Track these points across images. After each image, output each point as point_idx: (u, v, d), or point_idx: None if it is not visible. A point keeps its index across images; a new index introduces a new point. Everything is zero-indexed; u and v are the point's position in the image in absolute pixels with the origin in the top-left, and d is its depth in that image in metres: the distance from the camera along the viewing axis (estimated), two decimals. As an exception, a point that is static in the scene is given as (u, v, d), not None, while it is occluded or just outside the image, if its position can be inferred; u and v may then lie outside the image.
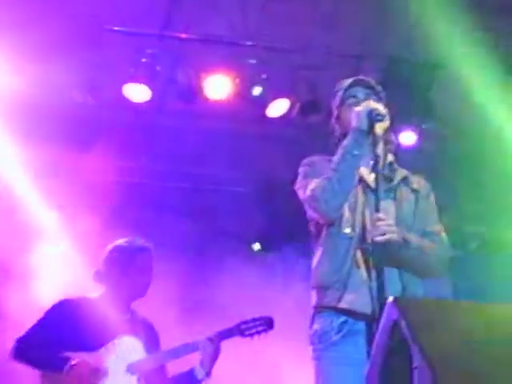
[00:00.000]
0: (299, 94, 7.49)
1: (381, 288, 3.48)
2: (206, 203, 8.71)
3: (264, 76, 7.27)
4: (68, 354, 4.72)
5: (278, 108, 7.58)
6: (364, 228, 3.70)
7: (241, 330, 5.01)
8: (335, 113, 4.04)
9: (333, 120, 4.04)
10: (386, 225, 3.56)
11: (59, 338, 4.85)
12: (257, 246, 9.45)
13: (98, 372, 4.77)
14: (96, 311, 4.90)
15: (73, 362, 4.64)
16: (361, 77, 4.10)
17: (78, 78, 7.11)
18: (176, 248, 7.84)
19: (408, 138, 7.73)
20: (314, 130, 7.43)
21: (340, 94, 4.03)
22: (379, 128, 3.72)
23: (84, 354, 4.74)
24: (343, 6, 6.74)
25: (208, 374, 4.88)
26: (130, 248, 5.14)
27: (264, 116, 7.70)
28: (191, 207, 8.56)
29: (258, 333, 5.03)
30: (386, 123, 3.77)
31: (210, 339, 4.86)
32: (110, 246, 5.21)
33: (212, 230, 8.89)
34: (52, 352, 4.78)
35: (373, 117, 3.70)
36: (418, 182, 4.05)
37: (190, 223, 8.59)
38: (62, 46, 6.66)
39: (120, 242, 5.21)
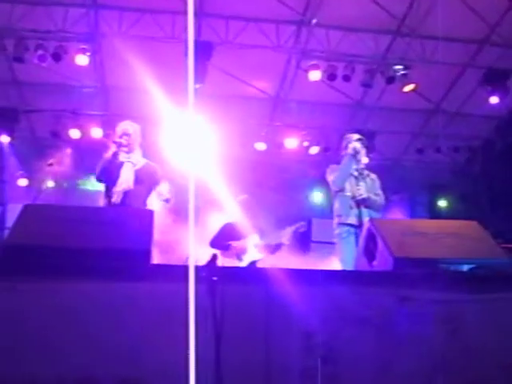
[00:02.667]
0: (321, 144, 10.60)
1: (360, 215, 5.17)
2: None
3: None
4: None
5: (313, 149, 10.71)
6: (353, 191, 5.32)
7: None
8: (344, 145, 5.66)
9: (342, 149, 5.68)
10: (361, 191, 5.33)
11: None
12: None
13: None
14: None
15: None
16: (356, 135, 5.76)
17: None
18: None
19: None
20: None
21: (347, 140, 5.68)
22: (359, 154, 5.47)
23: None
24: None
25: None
26: None
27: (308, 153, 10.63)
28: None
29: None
30: (363, 151, 5.56)
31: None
32: None
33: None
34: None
35: (355, 150, 5.46)
36: (373, 175, 5.65)
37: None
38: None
39: None
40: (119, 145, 5.24)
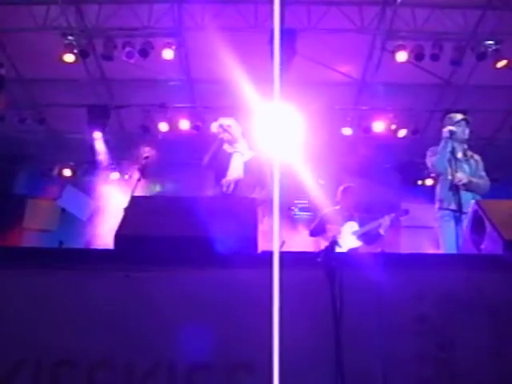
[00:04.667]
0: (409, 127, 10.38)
1: (459, 199, 4.96)
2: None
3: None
4: None
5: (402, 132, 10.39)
6: (453, 176, 5.09)
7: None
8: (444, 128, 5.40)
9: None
10: (460, 176, 5.11)
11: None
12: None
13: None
14: None
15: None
16: (459, 115, 5.60)
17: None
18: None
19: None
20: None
21: (452, 119, 5.50)
22: (456, 135, 5.25)
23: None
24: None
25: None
26: None
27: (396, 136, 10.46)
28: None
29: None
30: (466, 132, 5.43)
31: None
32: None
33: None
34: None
35: (450, 132, 5.21)
36: (476, 156, 5.51)
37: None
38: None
39: None
40: (224, 130, 5.39)
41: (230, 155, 5.40)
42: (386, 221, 6.32)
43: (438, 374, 2.81)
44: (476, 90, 9.94)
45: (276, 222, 2.53)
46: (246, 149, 5.55)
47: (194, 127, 10.43)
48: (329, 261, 2.11)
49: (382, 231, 6.33)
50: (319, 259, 2.22)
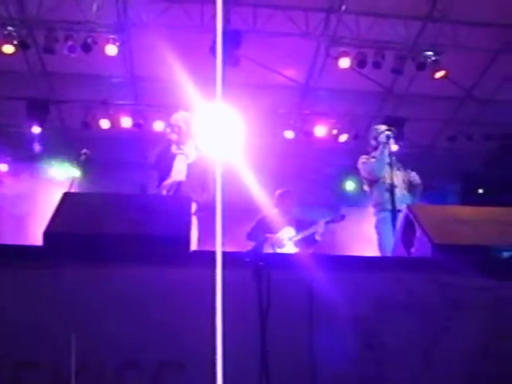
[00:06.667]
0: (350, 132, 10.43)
1: (394, 203, 5.14)
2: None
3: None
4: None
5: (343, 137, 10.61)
6: (392, 180, 5.29)
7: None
8: (374, 136, 5.72)
9: (372, 140, 5.76)
10: (413, 178, 5.64)
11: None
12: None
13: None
14: None
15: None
16: (383, 126, 5.84)
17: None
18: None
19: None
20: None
21: (378, 130, 5.77)
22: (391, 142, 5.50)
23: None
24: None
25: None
26: None
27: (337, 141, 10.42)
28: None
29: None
30: (392, 140, 5.56)
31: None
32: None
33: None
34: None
35: (387, 137, 5.52)
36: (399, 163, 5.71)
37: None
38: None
39: None
40: (172, 130, 5.29)
41: (174, 156, 5.29)
42: (321, 227, 6.32)
43: (369, 375, 2.83)
44: (415, 98, 10.21)
45: (218, 224, 2.50)
46: (192, 151, 5.44)
47: (136, 125, 10.29)
48: (257, 261, 2.10)
49: (317, 237, 6.34)
50: (247, 259, 2.21)
